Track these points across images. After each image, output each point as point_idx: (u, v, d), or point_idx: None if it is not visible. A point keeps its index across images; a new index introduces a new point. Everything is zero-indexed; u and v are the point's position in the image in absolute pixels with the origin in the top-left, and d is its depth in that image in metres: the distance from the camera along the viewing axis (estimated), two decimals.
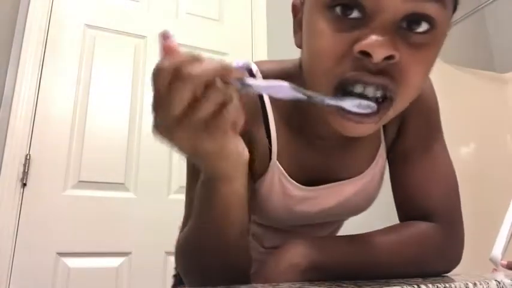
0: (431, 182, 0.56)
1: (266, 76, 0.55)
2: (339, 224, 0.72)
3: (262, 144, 0.55)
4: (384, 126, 0.59)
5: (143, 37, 1.77)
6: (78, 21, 1.67)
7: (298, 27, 0.50)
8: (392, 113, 0.44)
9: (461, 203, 0.57)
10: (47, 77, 1.56)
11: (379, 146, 0.60)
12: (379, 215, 0.86)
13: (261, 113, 0.56)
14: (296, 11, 0.51)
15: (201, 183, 0.43)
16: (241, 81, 0.34)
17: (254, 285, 0.43)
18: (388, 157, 0.62)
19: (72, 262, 1.45)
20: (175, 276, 0.84)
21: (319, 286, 0.38)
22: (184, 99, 0.31)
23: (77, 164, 1.53)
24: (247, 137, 0.53)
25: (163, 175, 1.65)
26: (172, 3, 1.86)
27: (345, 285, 0.38)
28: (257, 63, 0.57)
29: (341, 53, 0.41)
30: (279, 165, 0.56)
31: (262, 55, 1.93)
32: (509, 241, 0.74)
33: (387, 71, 0.40)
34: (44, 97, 1.54)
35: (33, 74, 1.53)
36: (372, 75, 0.40)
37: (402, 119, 0.58)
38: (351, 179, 0.59)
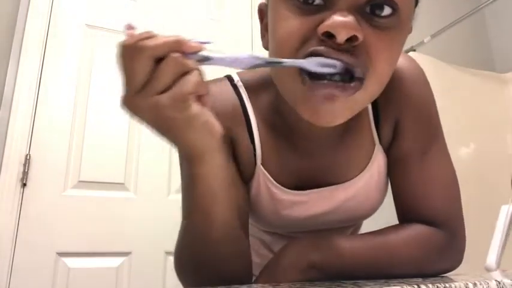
0: (431, 187, 0.54)
1: (247, 85, 0.56)
2: (344, 231, 0.68)
3: (246, 148, 0.55)
4: (377, 129, 0.57)
5: None
6: (78, 21, 1.67)
7: (265, 30, 0.50)
8: (363, 97, 0.43)
9: (462, 206, 0.56)
10: (47, 77, 1.56)
11: (373, 149, 0.58)
12: (380, 215, 0.86)
13: (243, 117, 0.55)
14: (262, 15, 0.52)
15: (184, 172, 0.43)
16: (198, 54, 0.35)
17: (254, 285, 0.43)
18: (387, 162, 0.59)
19: (72, 262, 1.45)
20: None
21: (319, 286, 0.38)
22: (140, 70, 0.34)
23: (77, 164, 1.53)
24: (231, 141, 0.53)
25: (163, 175, 1.65)
26: (172, 4, 1.86)
27: (344, 285, 0.38)
28: (238, 73, 0.58)
29: (305, 34, 0.41)
30: (263, 169, 0.56)
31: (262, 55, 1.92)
32: (503, 249, 0.72)
33: (353, 53, 0.40)
34: (44, 97, 1.54)
35: (33, 74, 1.53)
36: (337, 51, 0.39)
37: (397, 121, 0.56)
38: (341, 184, 0.57)
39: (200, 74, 0.36)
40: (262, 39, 0.52)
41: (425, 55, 1.99)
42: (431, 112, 0.57)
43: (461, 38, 2.43)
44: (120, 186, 1.58)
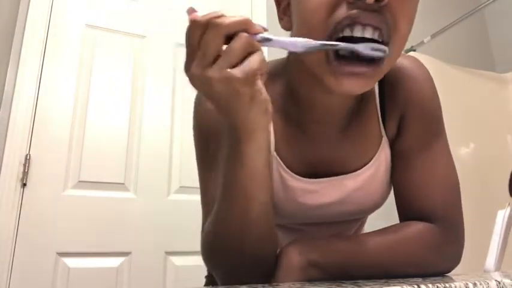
0: (431, 182, 0.55)
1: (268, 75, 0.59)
2: (351, 225, 0.69)
3: None
4: (384, 122, 0.59)
5: (143, 37, 1.77)
6: (78, 21, 1.67)
7: (283, 13, 0.54)
8: (387, 64, 0.47)
9: (461, 203, 0.57)
10: (47, 77, 1.56)
11: (381, 140, 0.60)
12: (380, 214, 0.86)
13: None
14: (280, 1, 0.56)
15: (227, 149, 0.44)
16: (261, 35, 0.39)
17: (254, 285, 0.43)
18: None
19: (72, 262, 1.45)
20: (207, 277, 0.84)
21: (319, 286, 0.38)
22: (214, 45, 0.36)
23: (77, 164, 1.53)
24: None
25: (163, 175, 1.65)
26: (172, 3, 1.86)
27: (344, 285, 0.38)
28: None
29: (334, 2, 0.44)
30: (276, 155, 0.57)
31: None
32: (502, 254, 0.72)
33: (380, 13, 0.43)
34: (44, 97, 1.54)
35: (33, 74, 1.53)
36: (368, 14, 0.43)
37: (402, 117, 0.58)
38: (351, 174, 0.59)
39: (263, 53, 0.39)
40: (280, 22, 0.56)
41: (425, 55, 1.99)
42: (435, 110, 0.59)
43: (461, 38, 2.43)
44: (120, 186, 1.58)
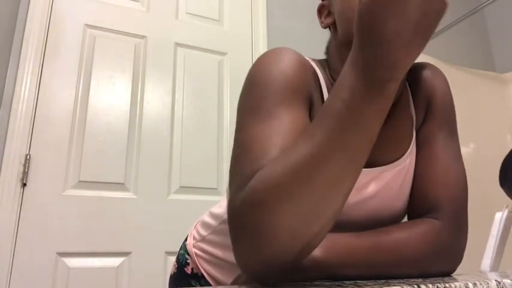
0: (446, 173, 0.57)
1: (318, 65, 0.63)
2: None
3: None
4: (417, 114, 0.63)
5: (143, 37, 1.77)
6: (78, 21, 1.67)
7: (324, 18, 0.65)
8: None
9: (467, 199, 0.58)
10: (47, 77, 1.56)
11: (412, 135, 0.62)
12: None
13: (319, 87, 0.59)
14: (322, 10, 0.66)
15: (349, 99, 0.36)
16: None
17: (254, 284, 0.43)
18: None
19: (72, 262, 1.45)
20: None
21: (319, 286, 0.38)
22: None
23: (77, 164, 1.53)
24: (310, 103, 0.55)
25: (163, 175, 1.65)
26: (172, 3, 1.86)
27: (345, 285, 0.38)
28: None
29: None
30: None
31: None
32: (499, 256, 0.72)
33: None
34: (44, 97, 1.54)
35: (33, 74, 1.53)
36: None
37: (427, 107, 0.62)
38: (390, 164, 0.59)
39: None
40: (321, 24, 0.66)
41: (426, 55, 1.99)
42: (453, 108, 0.64)
43: (461, 38, 2.43)
44: (120, 186, 1.58)
